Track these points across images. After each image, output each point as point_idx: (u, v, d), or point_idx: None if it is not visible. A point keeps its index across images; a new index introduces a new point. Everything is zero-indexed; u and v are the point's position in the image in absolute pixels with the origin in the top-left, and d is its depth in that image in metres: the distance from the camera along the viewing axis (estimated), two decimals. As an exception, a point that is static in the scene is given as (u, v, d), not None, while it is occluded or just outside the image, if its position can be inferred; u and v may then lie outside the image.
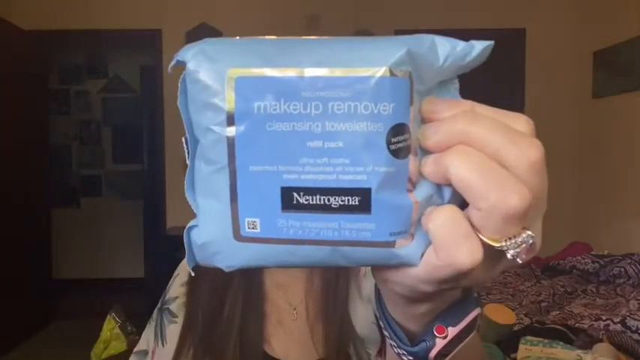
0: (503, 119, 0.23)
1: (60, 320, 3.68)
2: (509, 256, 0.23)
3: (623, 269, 2.20)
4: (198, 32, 3.48)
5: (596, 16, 3.34)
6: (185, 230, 0.26)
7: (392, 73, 0.22)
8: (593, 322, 1.70)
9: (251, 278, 0.68)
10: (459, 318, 0.31)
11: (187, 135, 0.26)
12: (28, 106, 3.34)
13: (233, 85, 0.23)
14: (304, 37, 0.24)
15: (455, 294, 0.31)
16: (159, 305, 0.71)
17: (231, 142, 0.23)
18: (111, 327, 2.29)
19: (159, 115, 3.52)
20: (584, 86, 3.37)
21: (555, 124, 3.37)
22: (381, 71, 0.22)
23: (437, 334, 0.30)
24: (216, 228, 0.24)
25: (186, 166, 0.27)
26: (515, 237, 0.22)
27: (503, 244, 0.22)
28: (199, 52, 0.24)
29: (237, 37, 0.24)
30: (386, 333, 0.33)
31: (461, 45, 0.24)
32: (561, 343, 1.45)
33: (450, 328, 0.30)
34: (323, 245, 0.23)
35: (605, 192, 3.16)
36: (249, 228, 0.23)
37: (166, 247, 3.10)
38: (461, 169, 0.22)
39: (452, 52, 0.23)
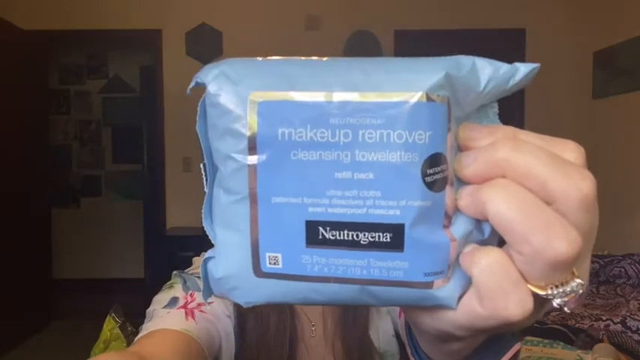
0: (549, 146, 0.21)
1: (60, 320, 3.68)
2: (555, 304, 0.21)
3: (623, 269, 2.20)
4: (198, 32, 3.48)
5: (596, 16, 3.34)
6: (202, 261, 0.24)
7: (429, 99, 0.20)
8: (594, 323, 1.70)
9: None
10: (499, 354, 0.29)
11: (206, 161, 0.24)
12: (28, 106, 3.33)
13: (256, 109, 0.21)
14: (333, 57, 0.22)
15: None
16: (177, 273, 0.66)
17: (252, 172, 0.21)
18: (111, 327, 2.29)
19: (159, 115, 3.52)
20: (584, 86, 3.37)
21: (555, 124, 3.37)
22: (416, 96, 0.20)
23: None
24: (235, 262, 0.23)
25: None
26: (562, 285, 0.20)
27: (549, 292, 0.20)
28: (220, 74, 0.22)
29: (260, 58, 0.22)
30: None
31: (504, 68, 0.22)
32: (562, 343, 1.45)
33: None
34: (350, 284, 0.22)
35: (605, 192, 3.16)
36: (270, 263, 0.22)
37: (166, 247, 3.11)
38: (500, 207, 0.19)
39: (494, 75, 0.22)
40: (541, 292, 0.20)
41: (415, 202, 0.20)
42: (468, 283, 0.22)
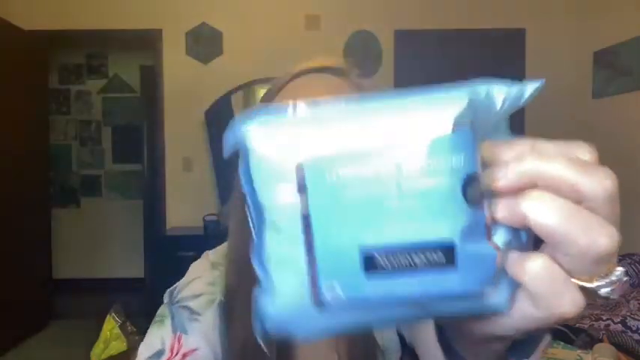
0: (567, 151, 0.23)
1: (60, 320, 3.68)
2: (602, 294, 0.22)
3: (623, 269, 2.20)
4: (198, 32, 3.48)
5: (596, 16, 3.34)
6: (253, 299, 0.25)
7: (458, 125, 0.22)
8: (594, 322, 1.70)
9: None
10: (532, 348, 0.31)
11: (250, 202, 0.25)
12: (28, 106, 3.33)
13: (301, 156, 0.23)
14: (364, 96, 0.24)
15: None
16: (167, 301, 0.66)
17: (304, 213, 0.23)
18: (111, 327, 2.29)
19: (159, 115, 3.52)
20: (584, 86, 3.37)
21: (555, 124, 3.37)
22: (446, 126, 0.22)
23: None
24: (292, 296, 0.24)
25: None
26: (607, 275, 0.22)
27: (597, 284, 0.22)
28: (258, 127, 0.23)
29: (291, 102, 0.24)
30: None
31: (514, 88, 0.24)
32: (562, 343, 1.45)
33: None
34: (409, 305, 0.23)
35: (605, 192, 3.15)
36: (328, 294, 0.23)
37: (166, 247, 3.11)
38: (541, 217, 0.21)
39: (508, 95, 0.24)
40: (589, 285, 0.22)
41: (460, 221, 0.22)
42: (514, 286, 0.23)
